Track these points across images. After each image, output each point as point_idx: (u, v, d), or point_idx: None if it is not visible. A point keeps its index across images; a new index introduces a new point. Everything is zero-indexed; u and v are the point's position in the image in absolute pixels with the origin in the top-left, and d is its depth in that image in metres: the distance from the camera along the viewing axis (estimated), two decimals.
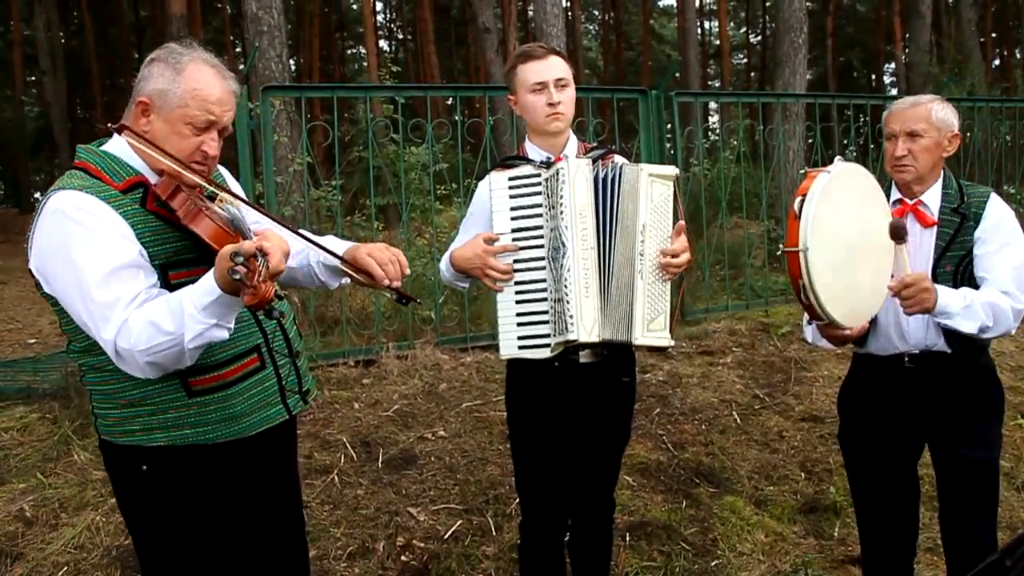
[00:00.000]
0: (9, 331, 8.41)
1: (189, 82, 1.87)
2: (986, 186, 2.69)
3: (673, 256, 2.34)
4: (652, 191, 2.35)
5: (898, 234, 2.30)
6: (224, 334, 1.80)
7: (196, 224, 1.78)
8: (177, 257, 1.89)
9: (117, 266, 1.77)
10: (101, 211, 1.80)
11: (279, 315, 2.01)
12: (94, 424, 2.03)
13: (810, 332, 2.69)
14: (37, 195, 33.73)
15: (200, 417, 1.93)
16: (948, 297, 2.36)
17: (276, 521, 2.17)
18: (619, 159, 2.61)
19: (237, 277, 1.58)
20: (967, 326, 2.39)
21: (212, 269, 1.74)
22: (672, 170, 2.39)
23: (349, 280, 2.21)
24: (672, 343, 2.36)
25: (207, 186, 1.95)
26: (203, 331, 1.74)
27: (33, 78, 26.61)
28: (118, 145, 1.94)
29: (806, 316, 2.59)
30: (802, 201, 2.22)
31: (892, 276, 2.37)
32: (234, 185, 2.20)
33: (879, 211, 2.43)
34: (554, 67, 2.51)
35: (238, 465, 2.01)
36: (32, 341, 7.76)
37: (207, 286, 1.73)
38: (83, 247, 1.76)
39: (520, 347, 2.42)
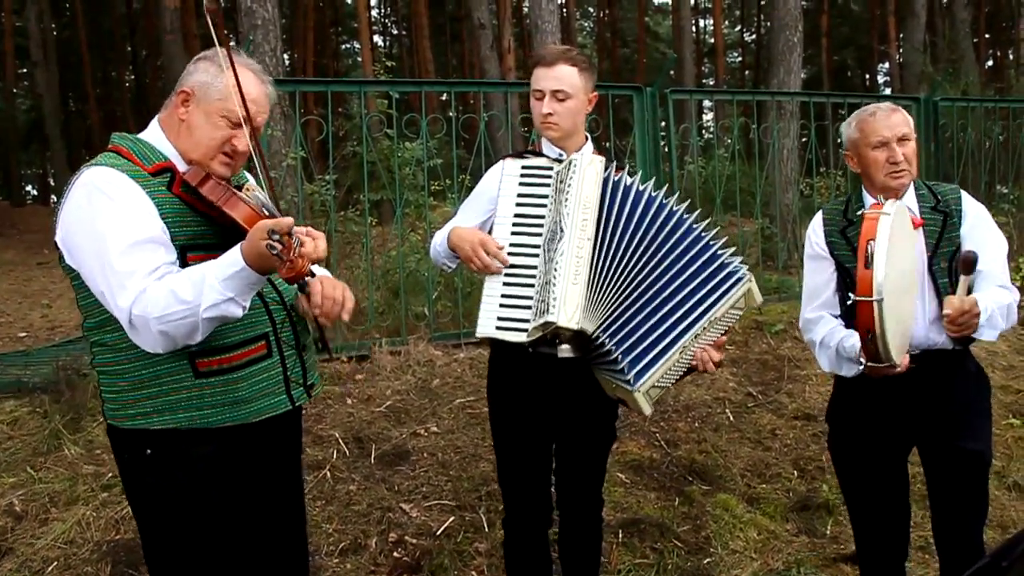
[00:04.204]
0: None
1: (231, 79, 1.97)
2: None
3: (710, 351, 2.42)
4: (739, 301, 2.47)
5: (970, 267, 2.37)
6: (238, 312, 1.85)
7: (232, 207, 1.88)
8: (196, 240, 1.96)
9: (140, 239, 1.85)
10: (128, 187, 1.88)
11: (289, 301, 2.13)
12: (102, 408, 2.07)
13: (826, 360, 2.68)
14: (28, 188, 33.65)
15: (204, 399, 1.98)
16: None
17: (276, 510, 2.20)
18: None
19: (275, 251, 1.68)
20: (990, 335, 2.47)
21: (239, 244, 1.81)
22: (759, 300, 2.53)
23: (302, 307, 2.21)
24: (649, 412, 2.45)
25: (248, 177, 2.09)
26: (220, 302, 1.80)
27: (24, 70, 26.44)
28: (152, 133, 2.05)
29: (827, 347, 2.64)
30: (870, 248, 2.23)
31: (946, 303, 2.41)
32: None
33: (915, 247, 2.49)
34: (557, 77, 2.52)
35: (240, 451, 2.05)
36: (23, 335, 7.71)
37: (232, 259, 1.80)
38: (108, 217, 1.84)
39: (497, 327, 2.40)
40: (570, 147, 2.59)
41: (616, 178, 2.38)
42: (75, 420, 4.20)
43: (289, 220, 1.73)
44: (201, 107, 1.99)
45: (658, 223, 2.39)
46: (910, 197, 2.61)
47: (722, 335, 2.46)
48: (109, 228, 1.83)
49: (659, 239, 2.39)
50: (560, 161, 2.46)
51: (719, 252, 2.45)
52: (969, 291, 2.47)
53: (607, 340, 2.32)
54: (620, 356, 2.32)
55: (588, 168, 2.35)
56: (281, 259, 1.69)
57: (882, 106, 2.62)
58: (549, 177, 2.43)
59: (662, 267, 2.39)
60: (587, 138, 2.67)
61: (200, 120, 1.99)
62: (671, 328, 2.37)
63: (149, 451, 1.98)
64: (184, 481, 1.99)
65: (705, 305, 2.41)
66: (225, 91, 1.98)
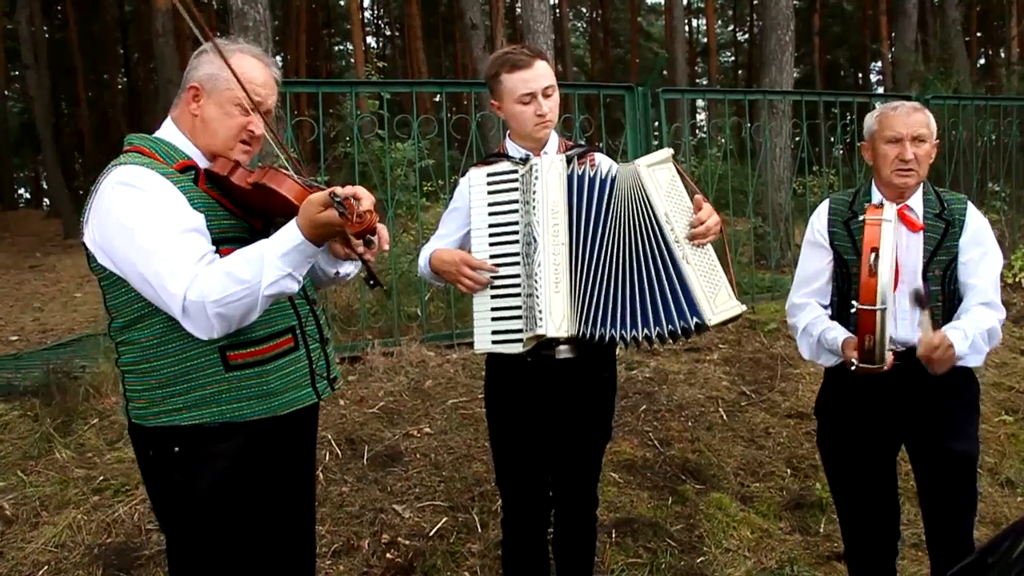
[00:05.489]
0: None
1: (236, 67, 1.99)
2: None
3: (701, 223, 2.30)
4: (658, 179, 2.33)
5: (921, 301, 2.34)
6: (295, 286, 1.90)
7: (278, 183, 1.91)
8: (228, 234, 1.98)
9: (188, 227, 1.88)
10: (161, 182, 1.91)
11: (311, 295, 2.19)
12: (125, 408, 2.08)
13: (806, 347, 2.68)
14: (21, 191, 33.54)
15: (235, 393, 1.99)
16: (957, 344, 2.39)
17: (294, 503, 2.23)
18: (601, 157, 2.60)
19: (343, 210, 1.74)
20: (975, 360, 2.49)
21: (293, 219, 1.85)
22: (666, 152, 2.38)
23: (347, 272, 2.27)
24: (743, 308, 2.31)
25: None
26: (280, 278, 1.84)
27: (16, 72, 26.35)
28: (168, 131, 2.05)
29: (808, 335, 2.63)
30: (875, 255, 2.22)
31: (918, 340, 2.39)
32: None
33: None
34: (541, 75, 2.49)
35: (267, 444, 2.07)
36: (14, 338, 7.69)
37: (289, 234, 1.85)
38: (153, 210, 1.86)
39: (494, 341, 2.42)
40: (540, 144, 2.57)
41: (579, 173, 2.37)
42: (66, 423, 4.18)
43: (345, 188, 1.80)
44: (212, 99, 2.01)
45: (654, 193, 2.33)
46: (917, 200, 2.61)
47: (693, 205, 2.32)
48: (152, 219, 1.85)
49: None
50: (524, 161, 2.43)
51: (621, 170, 2.38)
52: (954, 289, 2.48)
53: (607, 332, 2.31)
54: (662, 331, 2.27)
55: (550, 172, 2.34)
56: (348, 218, 1.75)
57: (906, 104, 2.62)
58: (516, 181, 2.42)
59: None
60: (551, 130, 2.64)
61: (214, 112, 2.01)
62: (668, 271, 2.30)
63: (177, 448, 1.99)
64: (212, 477, 2.00)
65: (634, 221, 2.32)
66: (233, 80, 2.00)
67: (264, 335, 2.02)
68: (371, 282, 2.16)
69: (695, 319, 2.27)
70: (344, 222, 1.78)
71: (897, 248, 2.47)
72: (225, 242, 1.96)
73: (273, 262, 1.83)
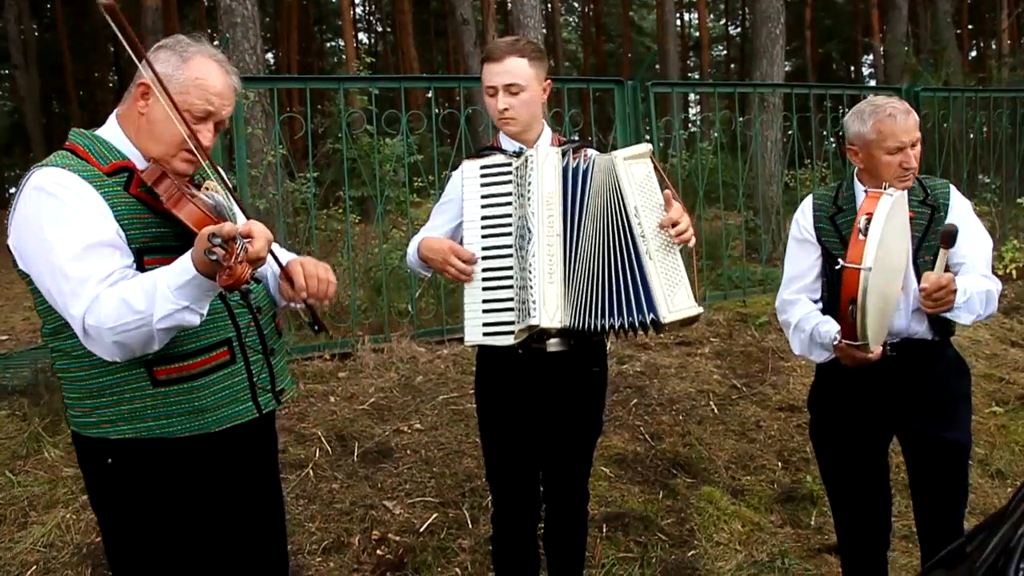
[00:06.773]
0: None
1: (193, 71, 1.89)
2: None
3: (674, 225, 2.29)
4: (632, 173, 2.33)
5: (950, 239, 2.34)
6: (195, 319, 1.76)
7: (178, 208, 1.77)
8: (155, 243, 1.86)
9: (93, 243, 1.76)
10: (81, 188, 1.79)
11: (255, 303, 2.02)
12: (65, 416, 2.02)
13: (798, 344, 2.68)
14: (12, 190, 33.38)
15: (163, 408, 1.89)
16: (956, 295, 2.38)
17: (249, 517, 2.12)
18: (593, 152, 2.59)
19: (214, 258, 1.57)
20: (966, 318, 2.45)
21: (190, 250, 1.71)
22: (644, 147, 2.37)
23: (293, 305, 2.14)
24: (700, 310, 2.31)
25: (208, 170, 1.95)
26: (173, 312, 1.70)
27: (6, 72, 26.22)
28: (110, 130, 1.95)
29: (801, 331, 2.62)
30: (868, 220, 2.25)
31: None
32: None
33: (906, 239, 2.50)
34: (508, 71, 2.46)
35: (204, 461, 1.96)
36: (4, 338, 7.66)
37: (183, 266, 1.70)
38: (59, 222, 1.76)
39: (484, 333, 2.41)
40: (530, 138, 2.57)
41: (574, 165, 2.37)
42: (54, 423, 4.16)
43: (232, 226, 1.63)
44: (162, 101, 1.85)
45: (627, 186, 2.34)
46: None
47: (664, 203, 2.31)
48: (59, 233, 1.75)
49: None
50: (517, 154, 2.44)
51: (598, 160, 2.39)
52: (947, 268, 2.48)
53: (596, 322, 2.30)
54: (623, 323, 2.28)
55: (545, 164, 2.35)
56: (221, 265, 1.59)
57: (898, 107, 2.55)
58: (509, 174, 2.42)
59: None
60: (544, 126, 2.63)
61: (160, 115, 1.86)
62: (632, 265, 2.30)
63: (110, 460, 1.91)
64: (146, 492, 1.92)
65: (604, 213, 2.32)
66: (187, 84, 1.87)
67: (194, 349, 1.90)
68: (315, 327, 2.10)
69: (651, 315, 2.27)
70: (216, 268, 1.61)
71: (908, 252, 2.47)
72: (153, 251, 1.86)
73: (166, 295, 1.69)
